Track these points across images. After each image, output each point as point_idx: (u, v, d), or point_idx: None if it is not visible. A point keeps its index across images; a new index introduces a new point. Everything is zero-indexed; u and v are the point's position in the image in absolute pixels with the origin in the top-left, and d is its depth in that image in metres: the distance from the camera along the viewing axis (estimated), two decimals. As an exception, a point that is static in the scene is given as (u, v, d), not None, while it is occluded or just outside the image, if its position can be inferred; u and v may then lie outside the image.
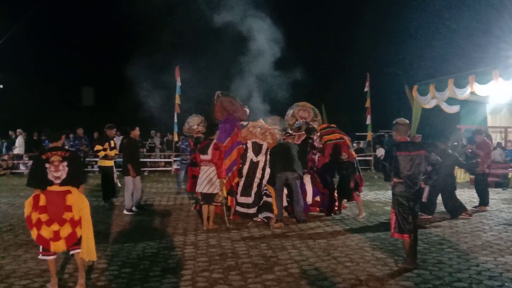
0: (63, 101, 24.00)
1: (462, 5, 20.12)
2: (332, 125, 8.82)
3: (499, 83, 10.01)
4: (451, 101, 13.37)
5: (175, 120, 16.14)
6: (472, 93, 11.17)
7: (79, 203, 4.34)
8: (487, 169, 8.61)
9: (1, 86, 21.39)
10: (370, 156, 18.17)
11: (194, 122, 9.83)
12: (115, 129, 9.48)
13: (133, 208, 8.34)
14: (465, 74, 11.31)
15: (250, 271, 4.83)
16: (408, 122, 5.20)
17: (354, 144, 20.16)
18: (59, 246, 4.23)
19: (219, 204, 6.97)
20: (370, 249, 5.69)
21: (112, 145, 9.14)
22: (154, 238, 6.33)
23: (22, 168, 16.14)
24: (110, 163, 9.16)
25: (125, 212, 8.19)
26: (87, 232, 4.34)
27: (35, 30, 22.03)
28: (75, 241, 4.30)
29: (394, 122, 5.17)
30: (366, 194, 10.55)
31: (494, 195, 10.18)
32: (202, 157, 6.99)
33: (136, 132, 8.64)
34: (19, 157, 16.46)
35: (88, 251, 4.33)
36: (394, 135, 5.24)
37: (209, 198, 6.91)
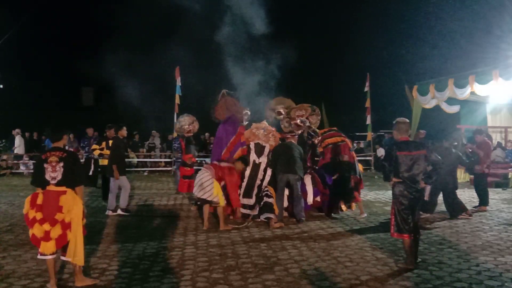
0: (63, 101, 23.99)
1: (462, 5, 20.12)
2: (333, 128, 8.85)
3: (499, 83, 10.02)
4: (451, 101, 13.39)
5: (175, 120, 16.15)
6: (472, 93, 11.18)
7: (70, 204, 4.30)
8: (486, 169, 8.61)
9: (1, 86, 21.38)
10: (370, 156, 18.17)
11: (186, 122, 9.77)
12: (113, 128, 9.40)
13: (119, 211, 8.12)
14: (465, 74, 11.32)
15: (250, 271, 4.83)
16: (408, 121, 5.19)
17: (354, 144, 20.21)
18: (49, 247, 4.23)
19: (220, 204, 6.84)
20: (370, 249, 5.69)
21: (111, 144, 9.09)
22: (154, 238, 6.33)
23: (22, 168, 16.14)
24: None
25: (109, 213, 8.05)
26: (75, 235, 4.32)
27: (35, 30, 22.02)
28: (64, 244, 4.30)
29: (394, 121, 5.17)
30: (366, 194, 10.56)
31: (494, 195, 10.18)
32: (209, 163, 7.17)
33: (123, 132, 8.51)
34: (18, 157, 16.45)
35: (75, 254, 4.31)
36: (394, 134, 5.23)
37: (204, 202, 6.91)
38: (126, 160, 10.69)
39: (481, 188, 8.63)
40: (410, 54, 21.88)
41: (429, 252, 5.51)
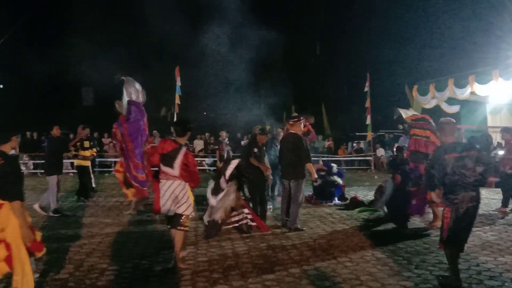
0: (63, 101, 24.01)
1: (462, 5, 20.13)
2: (425, 116, 7.53)
3: (499, 83, 10.04)
4: (451, 101, 13.41)
5: (175, 120, 16.16)
6: (472, 93, 11.20)
7: (3, 222, 3.63)
8: (510, 169, 8.13)
9: (1, 86, 21.40)
10: (370, 156, 18.18)
11: None
12: (88, 129, 9.46)
13: (36, 206, 7.97)
14: (465, 74, 11.34)
15: (250, 271, 4.83)
16: (454, 121, 4.86)
17: (354, 144, 20.24)
18: (2, 268, 3.67)
19: (187, 228, 5.15)
20: (370, 249, 5.69)
21: (87, 145, 9.24)
22: (154, 238, 6.34)
23: (22, 168, 16.15)
24: (86, 162, 9.27)
25: (51, 214, 7.90)
26: (18, 257, 3.65)
27: (35, 30, 22.03)
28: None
29: (438, 122, 4.92)
30: (366, 194, 10.56)
31: (494, 195, 10.18)
32: (165, 169, 5.03)
33: (55, 131, 8.29)
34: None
35: (23, 282, 3.65)
36: (439, 137, 4.96)
37: (175, 220, 5.08)
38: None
39: (507, 189, 8.20)
40: (410, 54, 21.91)
41: (429, 252, 5.51)
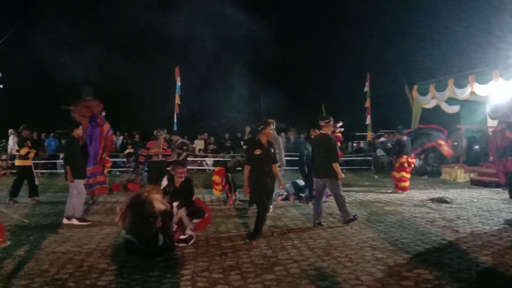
0: (63, 101, 24.02)
1: (462, 5, 20.14)
2: None
3: (499, 83, 10.05)
4: (451, 101, 13.43)
5: (175, 120, 16.19)
6: (472, 93, 11.21)
7: None
8: None
9: (1, 86, 21.40)
10: (370, 156, 18.19)
11: None
12: (28, 131, 9.82)
13: (74, 221, 7.30)
14: (465, 74, 11.35)
15: (250, 271, 4.83)
16: None
17: (354, 144, 20.25)
18: None
19: None
20: (370, 249, 5.69)
21: (29, 145, 9.55)
22: (154, 238, 6.33)
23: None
24: (29, 162, 9.51)
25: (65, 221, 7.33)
26: None
27: (35, 30, 22.02)
28: None
29: None
30: (366, 194, 10.56)
31: (494, 195, 10.19)
32: None
33: (79, 131, 7.71)
34: (14, 157, 16.49)
35: None
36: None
37: None
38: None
39: None
40: (410, 54, 21.91)
41: (429, 252, 5.51)
